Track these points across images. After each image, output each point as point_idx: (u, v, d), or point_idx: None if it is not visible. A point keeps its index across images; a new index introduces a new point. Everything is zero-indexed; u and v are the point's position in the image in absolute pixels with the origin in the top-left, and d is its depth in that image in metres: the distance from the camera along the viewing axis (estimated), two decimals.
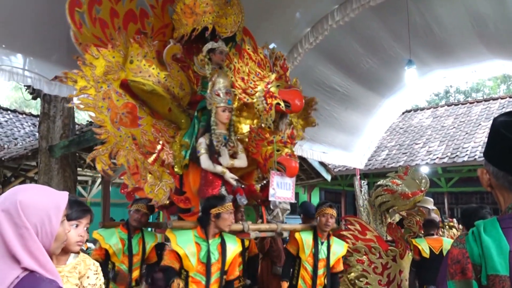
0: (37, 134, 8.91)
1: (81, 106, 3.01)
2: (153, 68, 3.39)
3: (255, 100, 3.38)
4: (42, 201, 1.26)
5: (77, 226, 1.96)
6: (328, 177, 11.25)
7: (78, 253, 2.04)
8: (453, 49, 7.17)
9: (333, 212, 3.74)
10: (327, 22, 5.99)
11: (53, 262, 1.82)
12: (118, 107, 3.23)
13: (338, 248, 3.89)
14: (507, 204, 1.20)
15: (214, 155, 3.32)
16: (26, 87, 7.90)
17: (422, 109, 15.96)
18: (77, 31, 3.21)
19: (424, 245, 4.49)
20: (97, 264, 2.13)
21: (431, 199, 5.89)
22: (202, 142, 3.35)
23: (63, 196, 1.36)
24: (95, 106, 3.06)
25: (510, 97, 14.03)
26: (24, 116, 13.59)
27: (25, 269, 1.17)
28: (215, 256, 3.06)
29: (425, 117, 14.73)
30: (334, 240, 3.91)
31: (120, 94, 3.27)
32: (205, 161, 3.30)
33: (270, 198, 3.31)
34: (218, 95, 3.38)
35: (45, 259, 1.23)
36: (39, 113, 7.63)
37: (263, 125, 3.38)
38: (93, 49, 3.11)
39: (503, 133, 1.18)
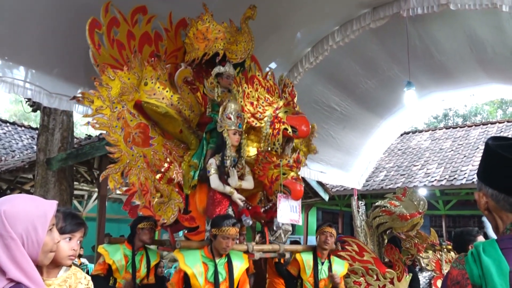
0: (35, 147, 8.90)
1: (97, 126, 3.08)
2: (167, 91, 3.46)
3: (263, 125, 3.46)
4: (27, 210, 1.25)
5: (70, 239, 1.91)
6: (326, 197, 11.22)
7: (70, 266, 2.00)
8: (452, 72, 7.27)
9: (332, 231, 3.83)
10: (327, 42, 6.09)
11: (43, 275, 1.79)
12: (131, 127, 3.32)
13: (339, 268, 3.93)
14: (505, 225, 1.20)
15: (223, 175, 3.36)
16: (26, 100, 7.91)
17: (420, 131, 16.05)
18: (95, 52, 3.28)
19: None
20: (89, 278, 2.08)
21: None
22: (213, 162, 3.39)
23: (51, 205, 1.34)
24: (109, 126, 3.13)
25: (508, 122, 14.14)
26: (22, 128, 13.55)
27: (11, 280, 1.15)
28: (222, 275, 3.06)
29: (424, 139, 14.78)
30: (335, 260, 3.95)
31: (134, 114, 3.36)
32: (214, 181, 3.34)
33: (279, 220, 3.35)
34: (230, 118, 3.42)
35: (32, 270, 1.20)
36: (38, 126, 7.62)
37: (269, 148, 3.44)
38: (109, 71, 3.19)
39: (503, 155, 1.17)
